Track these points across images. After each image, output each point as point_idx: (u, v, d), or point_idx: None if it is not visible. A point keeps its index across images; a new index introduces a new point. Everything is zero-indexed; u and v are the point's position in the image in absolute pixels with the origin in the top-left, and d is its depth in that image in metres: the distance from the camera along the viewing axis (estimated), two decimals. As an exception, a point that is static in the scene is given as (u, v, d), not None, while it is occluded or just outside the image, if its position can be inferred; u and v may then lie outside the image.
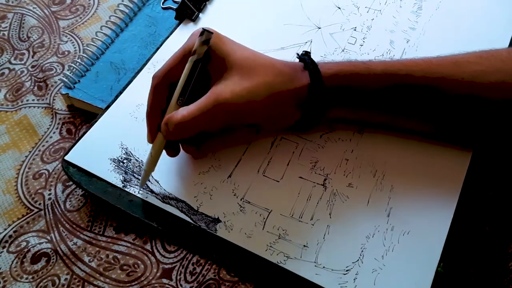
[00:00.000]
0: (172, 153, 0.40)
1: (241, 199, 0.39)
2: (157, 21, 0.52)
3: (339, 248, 0.36)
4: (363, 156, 0.40)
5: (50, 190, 0.42)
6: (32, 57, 0.51)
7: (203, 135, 0.39)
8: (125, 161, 0.41)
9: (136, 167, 0.41)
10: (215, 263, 0.37)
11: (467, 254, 0.36)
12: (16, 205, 0.42)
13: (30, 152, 0.45)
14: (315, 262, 0.36)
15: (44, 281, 0.38)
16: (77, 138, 0.43)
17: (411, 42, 0.47)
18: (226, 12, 0.51)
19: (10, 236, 0.40)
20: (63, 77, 0.47)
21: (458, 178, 0.39)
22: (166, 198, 0.39)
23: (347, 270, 0.35)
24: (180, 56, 0.37)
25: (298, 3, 0.51)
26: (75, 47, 0.52)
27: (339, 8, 0.50)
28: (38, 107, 0.48)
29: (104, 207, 0.41)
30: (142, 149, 0.42)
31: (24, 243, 0.40)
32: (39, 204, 0.42)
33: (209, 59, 0.36)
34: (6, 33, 0.53)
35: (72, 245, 0.39)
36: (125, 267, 0.38)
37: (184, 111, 0.35)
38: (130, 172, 0.41)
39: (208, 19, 0.50)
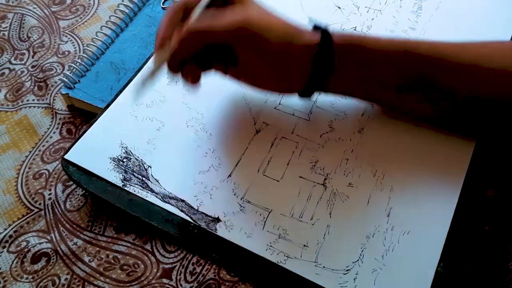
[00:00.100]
0: (174, 69, 0.38)
1: (241, 199, 0.39)
2: (157, 21, 0.52)
3: (339, 248, 0.36)
4: (363, 156, 0.40)
5: (50, 190, 0.42)
6: (32, 57, 0.51)
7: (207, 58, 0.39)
8: (124, 160, 0.41)
9: (136, 166, 0.41)
10: (215, 263, 0.37)
11: (467, 254, 0.36)
12: (16, 205, 0.42)
13: (30, 152, 0.45)
14: (315, 262, 0.36)
15: (44, 281, 0.38)
16: (77, 138, 0.43)
17: (411, 42, 0.47)
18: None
19: (10, 236, 0.40)
20: (63, 77, 0.47)
21: (458, 178, 0.39)
22: (166, 197, 0.39)
23: (347, 270, 0.35)
24: None
25: (298, 3, 0.51)
26: (75, 47, 0.52)
27: (339, 8, 0.50)
28: (38, 107, 0.48)
29: (104, 206, 0.41)
30: (141, 148, 0.42)
31: (24, 243, 0.40)
32: (39, 204, 0.42)
33: None
34: (6, 33, 0.54)
35: (72, 245, 0.39)
36: (125, 267, 0.38)
37: (208, 22, 0.36)
38: (130, 171, 0.41)
39: (208, 19, 0.50)
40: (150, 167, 0.41)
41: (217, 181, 0.40)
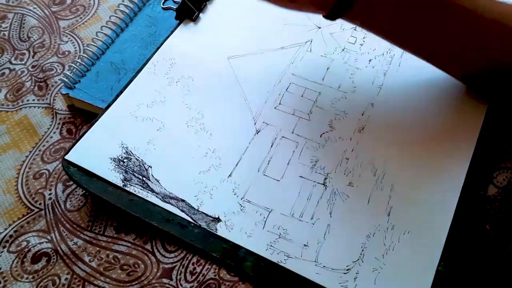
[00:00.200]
0: None
1: (241, 199, 0.39)
2: (157, 21, 0.52)
3: (339, 247, 0.36)
4: (364, 155, 0.40)
5: (50, 190, 0.42)
6: (33, 57, 0.51)
7: None
8: (125, 160, 0.41)
9: (136, 166, 0.41)
10: (215, 263, 0.37)
11: (467, 254, 0.36)
12: (16, 205, 0.42)
13: (30, 152, 0.45)
14: (315, 261, 0.36)
15: (45, 281, 0.38)
16: (77, 138, 0.43)
17: (411, 41, 0.47)
18: (226, 12, 0.51)
19: (11, 236, 0.40)
20: (63, 77, 0.47)
21: (458, 177, 0.39)
22: (166, 197, 0.39)
23: (347, 269, 0.35)
24: None
25: (298, 3, 0.51)
26: (75, 47, 0.52)
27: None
28: (39, 107, 0.48)
29: (104, 206, 0.41)
30: (142, 148, 0.42)
31: (25, 243, 0.40)
32: (40, 204, 0.42)
33: None
34: (6, 33, 0.54)
35: (72, 245, 0.39)
36: (125, 267, 0.38)
37: None
38: (130, 171, 0.41)
39: (208, 19, 0.51)
40: (151, 167, 0.41)
41: (217, 181, 0.40)
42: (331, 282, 0.35)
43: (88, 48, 0.49)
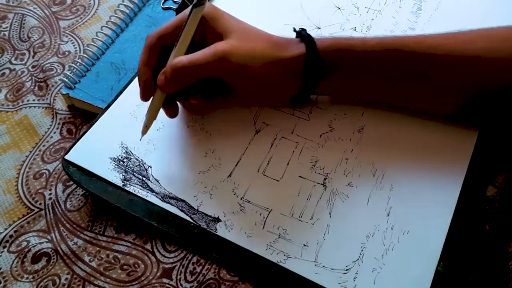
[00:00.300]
0: (172, 111, 0.40)
1: (241, 199, 0.39)
2: (157, 21, 0.52)
3: (339, 248, 0.36)
4: (363, 156, 0.40)
5: (50, 190, 0.42)
6: (33, 57, 0.51)
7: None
8: (125, 160, 0.41)
9: (136, 166, 0.41)
10: (215, 263, 0.37)
11: (467, 254, 0.36)
12: (16, 205, 0.42)
13: (30, 152, 0.45)
14: (315, 261, 0.36)
15: (45, 280, 0.38)
16: (77, 138, 0.43)
17: (411, 42, 0.47)
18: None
19: (11, 236, 0.40)
20: (63, 77, 0.47)
21: (458, 177, 0.39)
22: (166, 197, 0.39)
23: (347, 270, 0.35)
24: (176, 23, 0.37)
25: (298, 3, 0.51)
26: (75, 47, 0.52)
27: (339, 8, 0.50)
28: (39, 107, 0.48)
29: (104, 206, 0.41)
30: (142, 148, 0.42)
31: (25, 243, 0.40)
32: (40, 204, 0.42)
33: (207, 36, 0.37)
34: (6, 33, 0.54)
35: (72, 245, 0.39)
36: (125, 266, 0.38)
37: (190, 56, 0.36)
38: (130, 171, 0.41)
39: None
40: (150, 167, 0.41)
41: (217, 181, 0.40)
42: (331, 282, 0.35)
43: (88, 48, 0.49)
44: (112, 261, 0.38)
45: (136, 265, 0.38)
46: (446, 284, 0.35)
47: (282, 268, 0.36)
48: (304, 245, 0.37)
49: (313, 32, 0.48)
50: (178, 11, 0.51)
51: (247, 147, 0.42)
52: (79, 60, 0.48)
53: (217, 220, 0.38)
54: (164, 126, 0.43)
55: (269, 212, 0.38)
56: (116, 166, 0.41)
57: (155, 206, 0.39)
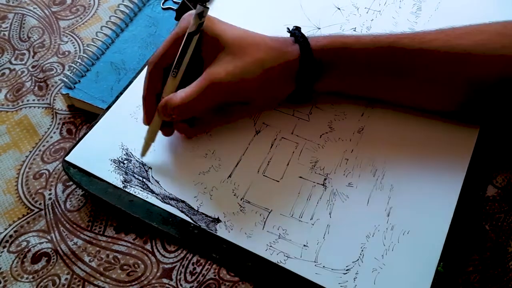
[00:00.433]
0: (168, 132, 0.41)
1: (241, 199, 0.39)
2: (158, 21, 0.52)
3: (339, 248, 0.36)
4: (363, 156, 0.40)
5: (50, 190, 0.42)
6: (33, 57, 0.51)
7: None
8: (125, 161, 0.41)
9: (136, 167, 0.41)
10: (215, 263, 0.37)
11: (467, 254, 0.36)
12: (16, 205, 0.42)
13: (30, 152, 0.45)
14: (315, 261, 0.36)
15: (45, 281, 0.38)
16: (77, 139, 0.43)
17: (411, 42, 0.47)
18: (225, 12, 0.51)
19: (11, 236, 0.40)
20: (63, 77, 0.47)
21: (458, 177, 0.39)
22: (166, 198, 0.39)
23: (347, 270, 0.35)
24: (173, 40, 0.38)
25: (298, 3, 0.51)
26: (75, 47, 0.52)
27: (339, 8, 0.50)
28: (39, 107, 0.48)
29: (104, 207, 0.41)
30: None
31: (25, 243, 0.40)
32: (40, 204, 0.42)
33: (202, 39, 0.38)
34: (6, 33, 0.54)
35: (72, 245, 0.39)
36: (125, 267, 0.38)
37: (182, 94, 0.37)
38: (131, 173, 0.41)
39: (208, 20, 0.51)
40: (151, 168, 0.41)
41: (217, 182, 0.40)
42: (331, 282, 0.35)
43: (88, 48, 0.49)
44: (112, 261, 0.38)
45: (136, 265, 0.38)
46: (446, 284, 0.35)
47: (282, 269, 0.36)
48: (304, 245, 0.37)
49: (313, 33, 0.48)
50: (178, 11, 0.51)
51: (247, 148, 0.42)
52: (79, 60, 0.48)
53: (217, 220, 0.38)
54: (164, 126, 0.43)
55: (269, 212, 0.38)
56: (116, 167, 0.41)
57: (155, 207, 0.39)
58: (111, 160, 0.41)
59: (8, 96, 0.49)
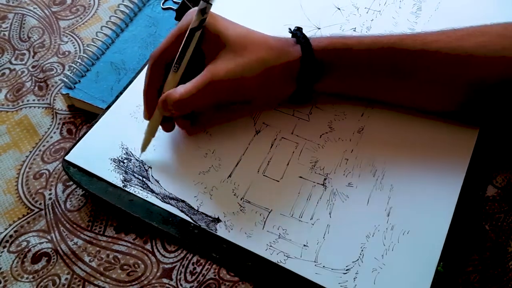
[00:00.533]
0: (168, 127, 0.41)
1: (241, 199, 0.39)
2: (158, 21, 0.52)
3: (339, 248, 0.36)
4: (363, 156, 0.40)
5: (50, 190, 0.42)
6: (33, 57, 0.51)
7: (196, 112, 0.40)
8: (125, 161, 0.41)
9: (136, 167, 0.41)
10: (215, 263, 0.37)
11: (467, 254, 0.36)
12: (16, 205, 0.42)
13: (30, 152, 0.45)
14: (315, 261, 0.36)
15: (45, 280, 0.38)
16: (77, 138, 0.43)
17: (411, 42, 0.47)
18: (225, 13, 0.51)
19: (11, 236, 0.40)
20: (63, 77, 0.47)
21: (458, 177, 0.39)
22: (166, 198, 0.39)
23: (347, 270, 0.35)
24: (175, 35, 0.38)
25: (298, 3, 0.51)
26: (75, 47, 0.52)
27: (339, 8, 0.51)
28: (39, 107, 0.48)
29: (105, 207, 0.41)
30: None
31: (25, 243, 0.40)
32: (40, 204, 0.42)
33: (204, 35, 0.38)
34: (6, 33, 0.54)
35: (72, 245, 0.39)
36: (125, 266, 0.38)
37: (181, 89, 0.37)
38: (131, 172, 0.41)
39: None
40: (151, 168, 0.41)
41: (217, 182, 0.40)
42: (331, 282, 0.35)
43: (88, 48, 0.49)
44: (112, 261, 0.38)
45: (136, 265, 0.38)
46: (446, 284, 0.35)
47: (282, 268, 0.36)
48: (304, 245, 0.37)
49: (312, 33, 0.48)
50: (178, 11, 0.51)
51: (247, 148, 0.42)
52: (79, 60, 0.48)
53: (217, 220, 0.38)
54: (164, 126, 0.43)
55: (269, 212, 0.38)
56: (116, 167, 0.41)
57: (155, 207, 0.39)
58: (111, 160, 0.41)
59: (8, 96, 0.49)
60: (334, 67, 0.38)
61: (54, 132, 0.46)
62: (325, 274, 0.35)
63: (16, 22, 0.54)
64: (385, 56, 0.38)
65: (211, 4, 0.36)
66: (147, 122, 0.41)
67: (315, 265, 0.36)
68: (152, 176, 0.40)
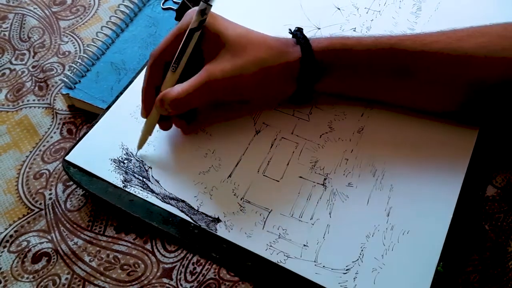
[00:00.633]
0: (165, 126, 0.41)
1: (241, 199, 0.39)
2: (158, 21, 0.52)
3: (339, 248, 0.36)
4: (363, 156, 0.40)
5: (50, 190, 0.42)
6: (33, 57, 0.51)
7: (193, 111, 0.40)
8: (125, 161, 0.41)
9: (136, 167, 0.41)
10: (215, 263, 0.37)
11: (467, 254, 0.36)
12: (17, 205, 0.42)
13: (30, 152, 0.45)
14: (315, 261, 0.36)
15: (45, 280, 0.38)
16: (77, 138, 0.43)
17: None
18: (225, 13, 0.51)
19: (11, 236, 0.40)
20: (63, 77, 0.48)
21: (458, 177, 0.39)
22: (166, 198, 0.39)
23: (347, 270, 0.35)
24: (175, 35, 0.38)
25: (298, 3, 0.51)
26: (75, 48, 0.52)
27: (339, 8, 0.51)
28: (39, 107, 0.48)
29: (105, 207, 0.41)
30: (142, 149, 0.42)
31: (25, 243, 0.40)
32: (40, 204, 0.42)
33: (204, 35, 0.38)
34: (7, 33, 0.54)
35: (72, 244, 0.39)
36: (125, 266, 0.38)
37: (178, 88, 0.37)
38: (131, 172, 0.41)
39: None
40: (151, 168, 0.41)
41: (217, 182, 0.40)
42: (331, 282, 0.35)
43: (88, 48, 0.49)
44: (112, 261, 0.38)
45: (136, 265, 0.38)
46: (446, 284, 0.35)
47: (282, 268, 0.36)
48: (304, 245, 0.37)
49: (312, 33, 0.48)
50: (178, 11, 0.51)
51: (247, 148, 0.42)
52: (79, 60, 0.48)
53: (217, 220, 0.38)
54: (164, 126, 0.43)
55: (269, 212, 0.38)
56: (116, 167, 0.41)
57: (155, 207, 0.39)
58: (111, 160, 0.41)
59: (8, 96, 0.49)
60: (334, 67, 0.38)
61: (54, 132, 0.46)
62: (325, 274, 0.35)
63: (16, 22, 0.54)
64: (385, 56, 0.38)
65: (211, 5, 0.36)
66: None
67: (315, 265, 0.36)
68: (152, 176, 0.40)
